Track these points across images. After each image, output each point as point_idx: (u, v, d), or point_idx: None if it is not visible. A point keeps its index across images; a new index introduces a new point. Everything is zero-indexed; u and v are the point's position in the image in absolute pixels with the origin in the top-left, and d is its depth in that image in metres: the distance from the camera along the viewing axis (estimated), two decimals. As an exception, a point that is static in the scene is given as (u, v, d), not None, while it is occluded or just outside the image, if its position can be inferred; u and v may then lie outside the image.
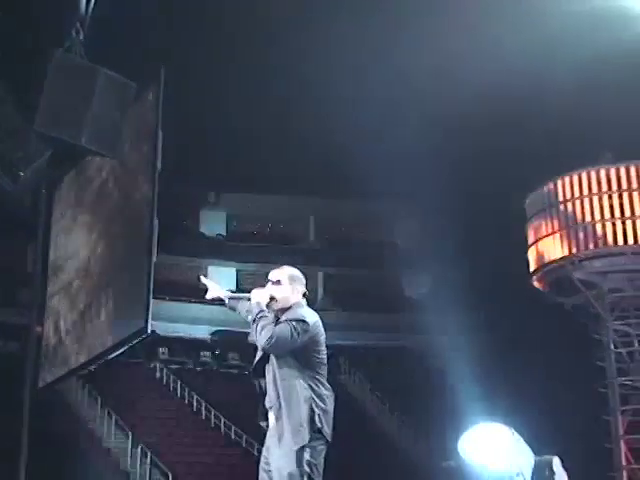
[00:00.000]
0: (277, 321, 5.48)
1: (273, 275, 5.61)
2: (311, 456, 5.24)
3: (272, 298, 5.44)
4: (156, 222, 7.87)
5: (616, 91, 19.96)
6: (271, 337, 5.28)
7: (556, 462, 5.15)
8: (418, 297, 32.50)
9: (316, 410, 5.32)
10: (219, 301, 5.92)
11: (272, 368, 5.45)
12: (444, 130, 23.40)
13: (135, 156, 8.98)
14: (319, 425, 5.29)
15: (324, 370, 5.47)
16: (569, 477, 5.23)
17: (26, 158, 7.63)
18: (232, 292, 6.01)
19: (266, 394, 5.48)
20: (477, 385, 28.69)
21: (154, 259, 7.74)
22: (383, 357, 30.39)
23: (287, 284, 5.56)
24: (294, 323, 5.36)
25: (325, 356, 5.50)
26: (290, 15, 19.17)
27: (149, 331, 7.69)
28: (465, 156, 24.13)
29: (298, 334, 5.35)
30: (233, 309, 5.88)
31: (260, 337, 5.32)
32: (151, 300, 8.01)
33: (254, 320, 5.37)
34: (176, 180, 26.87)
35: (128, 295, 8.44)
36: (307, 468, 5.21)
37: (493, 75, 20.28)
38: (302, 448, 5.23)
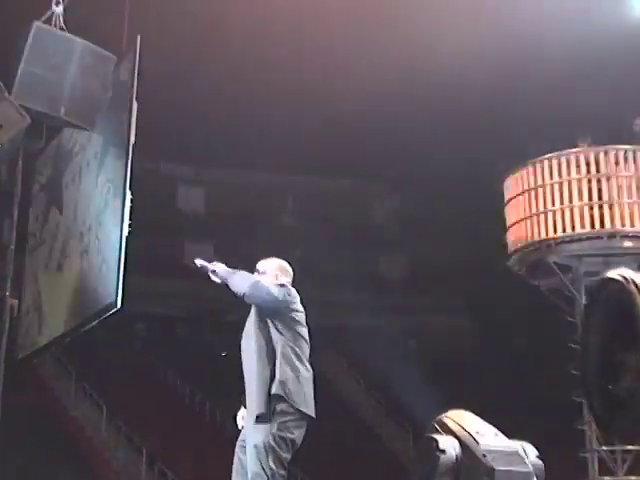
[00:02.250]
0: None
1: (260, 265, 5.75)
2: (278, 429, 5.23)
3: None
4: (129, 195, 7.83)
5: (598, 75, 20.04)
6: (255, 283, 5.33)
7: (530, 450, 5.12)
8: (396, 277, 32.62)
9: (287, 384, 5.31)
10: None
11: (251, 342, 5.46)
12: (424, 110, 23.39)
13: (110, 128, 8.93)
14: (283, 394, 5.27)
15: (305, 348, 5.48)
16: (543, 460, 5.21)
17: (3, 129, 7.56)
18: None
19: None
20: (450, 367, 28.98)
21: (125, 233, 7.73)
22: (360, 337, 30.49)
23: (272, 275, 5.67)
24: (277, 283, 5.45)
25: (306, 334, 5.51)
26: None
27: (119, 305, 7.69)
28: (445, 138, 24.17)
29: (281, 293, 5.40)
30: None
31: (242, 284, 5.34)
32: (121, 275, 7.98)
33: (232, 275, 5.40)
34: (154, 155, 26.93)
35: (100, 269, 8.42)
36: (272, 441, 5.20)
37: (472, 57, 20.30)
38: (267, 420, 5.23)
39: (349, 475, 23.05)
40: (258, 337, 5.33)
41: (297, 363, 5.35)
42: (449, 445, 4.83)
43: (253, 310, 5.47)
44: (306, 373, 5.40)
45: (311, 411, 5.31)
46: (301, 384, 5.33)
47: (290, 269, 5.75)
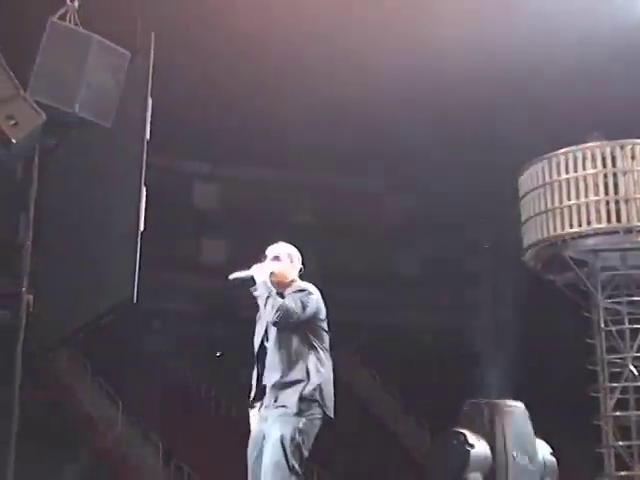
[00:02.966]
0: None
1: (271, 251, 5.71)
2: (304, 425, 5.28)
3: (272, 273, 5.49)
4: (144, 192, 7.84)
5: (612, 70, 19.94)
6: (279, 310, 5.30)
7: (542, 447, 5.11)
8: (407, 274, 32.55)
9: (321, 387, 5.36)
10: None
11: (275, 342, 5.45)
12: (436, 108, 23.35)
13: (125, 124, 8.93)
14: (318, 397, 5.32)
15: (327, 342, 5.52)
16: (557, 456, 5.21)
17: (19, 126, 7.58)
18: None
19: (261, 374, 5.48)
20: (467, 362, 28.89)
21: (142, 228, 7.74)
22: (373, 334, 30.48)
23: (286, 260, 5.66)
24: (300, 295, 5.41)
25: (326, 328, 5.54)
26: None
27: (135, 301, 7.69)
28: (458, 133, 24.11)
29: (304, 307, 5.39)
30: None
31: (271, 315, 5.34)
32: (137, 270, 7.99)
33: (266, 298, 5.37)
34: (169, 151, 26.96)
35: (116, 265, 8.43)
36: (298, 436, 5.24)
37: (487, 54, 20.23)
38: (298, 415, 5.25)
39: (364, 470, 23.06)
40: (288, 337, 5.34)
41: (327, 365, 5.43)
42: (476, 440, 4.86)
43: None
44: (331, 374, 5.46)
45: (332, 412, 5.39)
46: (329, 386, 5.41)
47: (299, 253, 5.76)
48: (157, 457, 21.46)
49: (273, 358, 5.44)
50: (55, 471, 18.26)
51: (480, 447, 4.75)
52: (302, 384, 5.31)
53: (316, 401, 5.32)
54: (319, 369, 5.39)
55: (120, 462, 21.62)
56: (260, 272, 5.50)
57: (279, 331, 5.43)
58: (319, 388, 5.36)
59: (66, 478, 18.13)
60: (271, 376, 5.42)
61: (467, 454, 4.80)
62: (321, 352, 5.44)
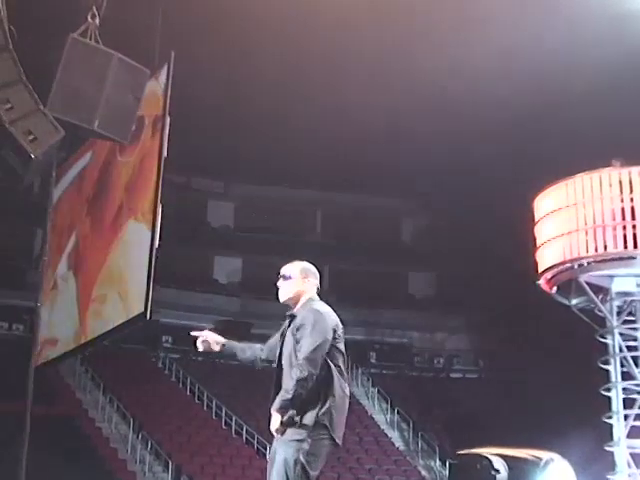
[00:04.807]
0: (292, 318, 5.44)
1: (285, 270, 5.57)
2: (310, 446, 5.19)
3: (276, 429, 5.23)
4: (160, 209, 7.83)
5: (633, 94, 19.87)
6: (304, 369, 5.14)
7: (558, 464, 5.05)
8: (423, 294, 32.50)
9: (332, 413, 5.27)
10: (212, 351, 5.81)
11: (287, 362, 5.37)
12: (454, 129, 23.36)
13: (142, 141, 8.95)
14: (327, 422, 5.23)
15: (341, 362, 5.40)
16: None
17: (38, 141, 7.60)
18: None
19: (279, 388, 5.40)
20: (477, 383, 28.80)
21: (157, 245, 7.72)
22: (386, 353, 30.40)
23: (299, 278, 5.52)
24: (309, 330, 5.23)
25: (341, 348, 5.42)
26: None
27: (148, 317, 7.67)
28: (475, 156, 24.07)
29: (319, 345, 5.25)
30: (232, 354, 5.83)
31: (305, 385, 5.16)
32: (151, 287, 7.98)
33: (284, 403, 5.17)
34: (185, 169, 27.05)
35: (129, 281, 8.42)
36: (302, 458, 5.17)
37: (509, 76, 20.23)
38: (304, 437, 5.17)
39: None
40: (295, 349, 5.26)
41: (339, 388, 5.31)
42: (501, 465, 4.82)
43: (293, 325, 5.39)
44: (345, 399, 5.35)
45: (340, 439, 5.30)
46: (341, 412, 5.33)
47: (315, 270, 5.61)
48: (167, 474, 21.40)
49: (285, 378, 5.33)
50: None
51: (504, 472, 4.70)
52: (311, 407, 5.22)
53: (324, 425, 5.23)
54: (332, 393, 5.30)
55: (130, 478, 21.56)
56: (272, 422, 5.22)
57: (291, 342, 5.35)
58: (329, 412, 5.26)
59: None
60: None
61: (493, 479, 4.75)
62: (335, 373, 5.34)
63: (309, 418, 5.19)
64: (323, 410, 5.21)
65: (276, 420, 5.16)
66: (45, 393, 20.68)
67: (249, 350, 5.79)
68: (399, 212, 32.96)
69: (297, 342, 5.28)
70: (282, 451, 5.19)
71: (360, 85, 22.32)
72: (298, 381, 5.12)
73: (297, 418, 5.18)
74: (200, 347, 5.87)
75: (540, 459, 4.76)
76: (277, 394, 5.32)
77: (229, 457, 22.91)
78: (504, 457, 4.79)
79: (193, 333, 5.94)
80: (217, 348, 5.82)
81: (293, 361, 5.27)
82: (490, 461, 4.80)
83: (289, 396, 5.14)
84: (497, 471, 4.76)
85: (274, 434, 5.22)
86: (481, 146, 23.56)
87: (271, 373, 5.49)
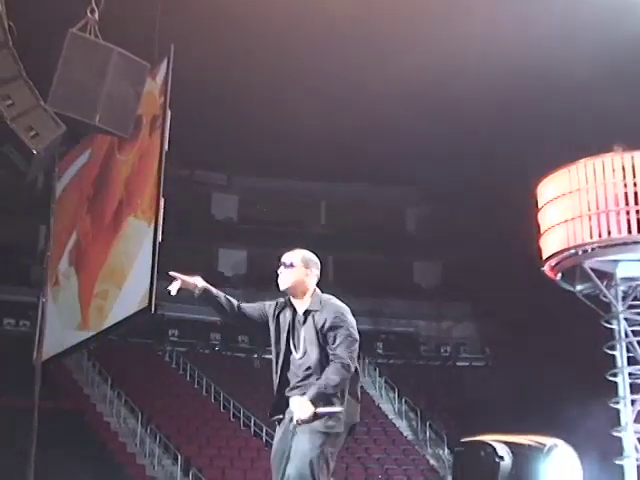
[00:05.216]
0: (294, 313, 5.40)
1: (286, 258, 5.49)
2: (331, 439, 5.17)
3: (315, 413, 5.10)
4: (162, 202, 7.82)
5: (634, 78, 19.82)
6: (348, 365, 5.13)
7: (561, 450, 5.03)
8: (428, 283, 32.50)
9: (349, 405, 5.25)
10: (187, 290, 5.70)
11: (305, 354, 5.33)
12: (456, 115, 23.31)
13: (141, 140, 8.93)
14: (344, 414, 5.20)
15: (356, 352, 5.36)
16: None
17: (39, 137, 7.60)
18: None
19: (284, 386, 5.37)
20: (484, 371, 28.80)
21: (159, 239, 7.72)
22: (392, 343, 30.43)
23: (301, 267, 5.44)
24: (348, 331, 5.21)
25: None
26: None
27: (152, 311, 7.67)
28: (477, 142, 24.05)
29: (356, 347, 5.23)
30: (209, 299, 5.73)
31: (345, 384, 5.15)
32: (155, 281, 7.97)
33: (323, 395, 5.11)
34: (188, 162, 27.05)
35: (132, 276, 8.42)
36: (328, 450, 5.15)
37: (511, 58, 20.15)
38: (326, 429, 5.11)
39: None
40: (319, 351, 5.21)
41: (355, 381, 5.29)
42: (505, 452, 4.81)
43: (311, 323, 5.30)
44: (358, 391, 5.33)
45: (353, 429, 5.29)
46: (354, 403, 5.28)
47: (317, 260, 5.51)
48: (176, 467, 21.46)
49: (301, 370, 5.31)
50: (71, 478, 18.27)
51: (508, 459, 4.69)
52: (338, 403, 5.18)
53: (344, 421, 5.20)
54: (354, 392, 5.29)
55: (139, 472, 21.62)
56: (303, 412, 5.11)
57: (310, 344, 5.29)
58: (349, 411, 5.24)
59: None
60: (300, 384, 5.29)
61: (497, 466, 4.73)
62: (358, 374, 5.36)
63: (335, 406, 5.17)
64: (342, 402, 5.18)
65: (307, 409, 5.06)
66: (53, 388, 20.76)
67: (227, 303, 5.68)
68: (403, 201, 32.94)
69: (332, 341, 5.20)
70: (306, 440, 5.12)
71: (362, 74, 22.29)
72: (343, 379, 5.10)
73: (335, 409, 5.13)
74: (173, 290, 5.76)
75: (544, 445, 4.73)
76: (285, 381, 5.32)
77: (237, 449, 22.97)
78: (508, 444, 4.77)
79: (171, 273, 5.79)
80: (195, 291, 5.72)
81: (322, 358, 5.20)
82: (494, 448, 4.79)
83: (331, 391, 5.08)
84: (501, 458, 4.74)
85: (296, 422, 5.13)
86: (482, 135, 23.55)
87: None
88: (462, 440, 5.56)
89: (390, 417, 26.95)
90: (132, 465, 21.75)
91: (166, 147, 8.38)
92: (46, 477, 9.67)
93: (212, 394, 25.47)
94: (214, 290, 5.74)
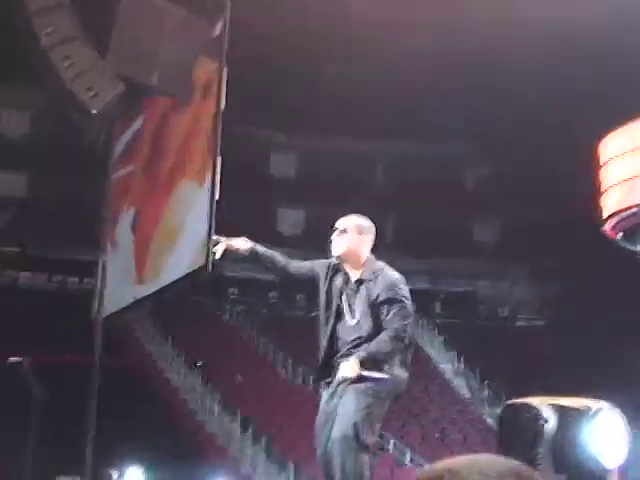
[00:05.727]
0: (347, 280, 5.32)
1: (340, 224, 5.35)
2: (378, 401, 5.16)
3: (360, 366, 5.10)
4: (219, 160, 7.81)
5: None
6: (401, 337, 5.12)
7: (608, 413, 4.94)
8: (487, 243, 32.27)
9: (395, 362, 5.22)
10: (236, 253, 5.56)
11: (357, 318, 5.31)
12: (515, 75, 22.96)
13: (194, 104, 8.89)
14: (392, 378, 5.21)
15: (411, 323, 5.32)
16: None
17: (98, 96, 7.64)
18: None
19: (333, 349, 5.36)
20: (542, 332, 28.58)
21: (217, 197, 7.70)
22: (451, 303, 30.36)
23: (354, 233, 5.30)
24: (404, 304, 5.16)
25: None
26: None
27: (209, 270, 7.68)
28: (537, 101, 23.69)
29: (410, 320, 5.21)
30: (252, 261, 5.63)
31: (395, 347, 5.14)
32: (212, 239, 7.97)
33: (373, 360, 5.13)
34: (246, 121, 27.08)
35: (189, 236, 8.45)
36: (376, 411, 5.15)
37: (569, 14, 19.75)
38: (373, 391, 5.09)
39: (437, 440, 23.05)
40: (373, 315, 5.15)
41: (409, 352, 5.25)
42: (550, 414, 4.75)
43: (363, 293, 5.22)
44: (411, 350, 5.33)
45: (402, 390, 5.27)
46: (404, 372, 5.22)
47: (372, 224, 5.36)
48: (236, 424, 21.75)
49: (351, 338, 5.26)
50: (132, 435, 18.58)
51: (553, 422, 4.64)
52: (389, 368, 5.17)
53: (388, 385, 5.19)
54: (404, 362, 5.27)
55: (198, 427, 21.97)
56: (350, 370, 5.13)
57: (362, 314, 5.23)
58: (398, 378, 5.22)
59: (141, 443, 18.43)
60: (349, 351, 5.22)
61: (541, 428, 4.69)
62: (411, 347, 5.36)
63: (386, 366, 5.16)
64: (391, 365, 5.17)
65: (354, 368, 5.06)
66: (115, 345, 21.13)
67: (276, 262, 5.58)
68: (462, 160, 32.64)
69: (386, 314, 5.16)
70: (352, 402, 5.09)
71: (424, 29, 22.02)
72: (394, 349, 5.10)
73: (382, 375, 5.13)
74: (218, 253, 5.63)
75: (590, 408, 4.67)
76: (334, 347, 5.31)
77: (295, 405, 23.19)
78: (553, 406, 4.72)
79: (215, 237, 5.73)
80: (241, 252, 5.54)
81: (373, 328, 5.16)
82: (538, 410, 4.74)
83: (381, 357, 5.09)
84: (546, 420, 4.69)
85: (341, 379, 5.13)
86: (544, 92, 23.17)
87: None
88: (506, 402, 5.51)
89: (447, 376, 26.94)
90: (192, 422, 22.09)
91: (222, 106, 8.33)
92: (108, 432, 9.86)
93: (270, 353, 25.69)
94: (261, 249, 5.59)
